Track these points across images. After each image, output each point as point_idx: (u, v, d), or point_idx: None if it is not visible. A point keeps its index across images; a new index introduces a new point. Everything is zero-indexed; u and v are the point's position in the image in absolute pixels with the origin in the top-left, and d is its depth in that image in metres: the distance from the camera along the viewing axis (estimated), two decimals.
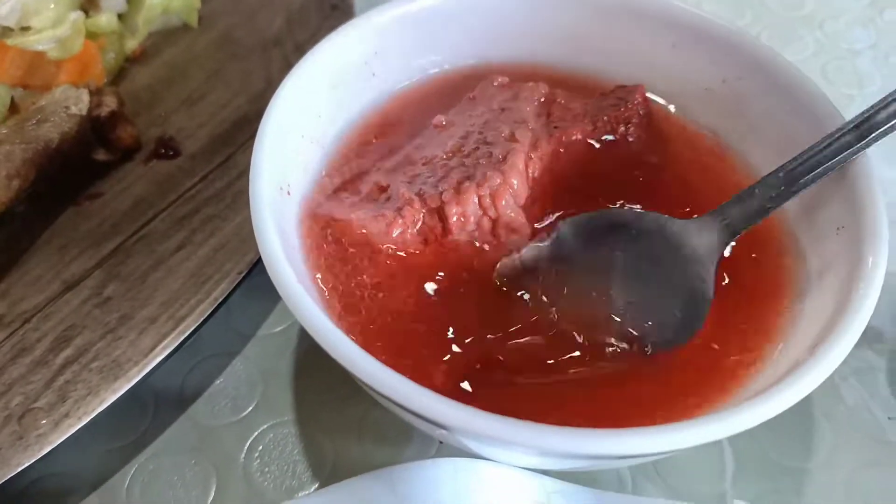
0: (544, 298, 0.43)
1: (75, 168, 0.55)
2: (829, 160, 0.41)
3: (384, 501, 0.38)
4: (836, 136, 0.41)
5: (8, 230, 0.53)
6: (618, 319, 0.42)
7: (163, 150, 0.58)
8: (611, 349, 0.41)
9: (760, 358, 0.41)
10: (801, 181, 0.41)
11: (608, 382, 0.40)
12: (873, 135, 0.40)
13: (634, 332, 0.41)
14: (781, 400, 0.33)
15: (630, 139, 0.50)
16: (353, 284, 0.44)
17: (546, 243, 0.44)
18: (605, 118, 0.49)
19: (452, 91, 0.52)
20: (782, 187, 0.41)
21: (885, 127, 0.40)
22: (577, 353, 0.41)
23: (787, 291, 0.43)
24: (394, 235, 0.43)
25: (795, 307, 0.42)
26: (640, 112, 0.50)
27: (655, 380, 0.40)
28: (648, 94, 0.51)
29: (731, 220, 0.42)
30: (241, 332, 0.53)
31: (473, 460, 0.38)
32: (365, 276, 0.44)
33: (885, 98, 0.40)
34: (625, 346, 0.41)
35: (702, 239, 0.43)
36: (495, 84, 0.51)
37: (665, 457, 0.43)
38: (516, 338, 0.41)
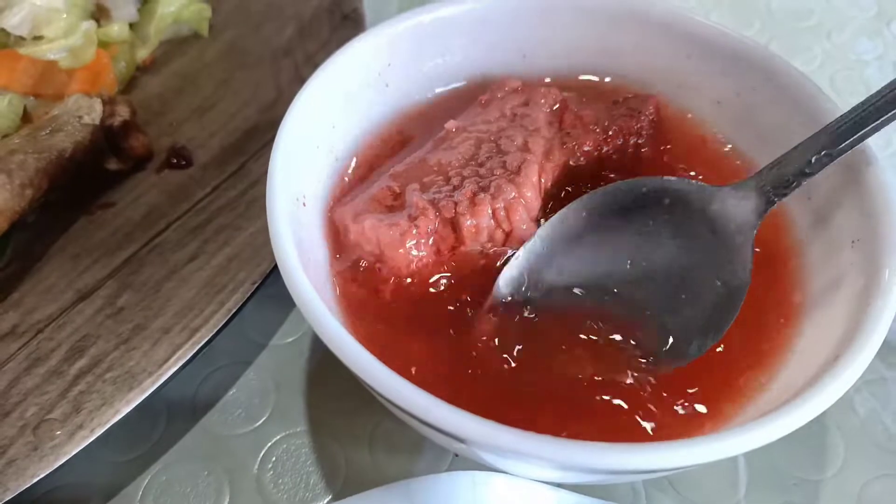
0: (557, 305, 0.42)
1: (88, 177, 0.55)
2: (869, 123, 0.39)
3: None
4: (877, 98, 0.39)
5: (21, 239, 0.53)
6: (645, 316, 0.41)
7: (175, 160, 0.58)
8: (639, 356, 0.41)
9: (771, 371, 0.41)
10: (841, 145, 0.39)
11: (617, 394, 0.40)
12: None
13: (663, 334, 0.41)
14: (798, 415, 0.33)
15: (641, 151, 0.50)
16: (366, 293, 0.44)
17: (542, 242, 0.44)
18: (617, 128, 0.49)
19: (466, 102, 0.52)
20: (822, 151, 0.40)
21: None
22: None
23: (798, 303, 0.43)
24: (407, 245, 0.43)
25: (806, 320, 0.42)
26: (653, 122, 0.50)
27: (660, 391, 0.40)
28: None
29: (768, 184, 0.41)
30: (254, 341, 0.53)
31: (490, 473, 0.38)
32: (379, 285, 0.44)
33: None
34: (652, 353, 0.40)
35: (737, 207, 0.41)
36: (507, 88, 0.51)
37: (680, 470, 0.43)
38: (529, 349, 0.41)
